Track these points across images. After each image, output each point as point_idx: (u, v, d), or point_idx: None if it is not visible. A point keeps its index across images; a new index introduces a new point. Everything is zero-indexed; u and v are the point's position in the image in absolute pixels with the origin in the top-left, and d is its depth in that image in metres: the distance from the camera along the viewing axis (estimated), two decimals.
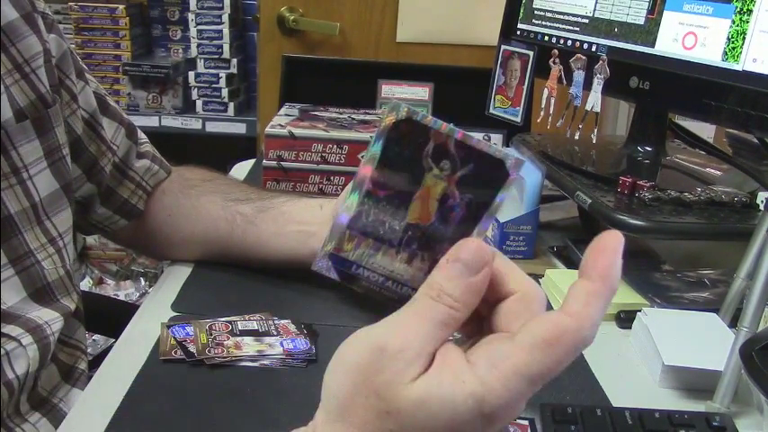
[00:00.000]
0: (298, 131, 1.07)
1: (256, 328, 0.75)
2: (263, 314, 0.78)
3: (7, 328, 0.70)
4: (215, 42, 2.34)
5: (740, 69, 0.85)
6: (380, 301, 0.43)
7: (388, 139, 0.40)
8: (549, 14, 1.10)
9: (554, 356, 0.37)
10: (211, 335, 0.73)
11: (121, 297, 2.44)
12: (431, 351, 0.38)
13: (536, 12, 1.13)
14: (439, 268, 0.40)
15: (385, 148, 0.40)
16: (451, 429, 0.38)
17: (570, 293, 0.38)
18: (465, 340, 0.41)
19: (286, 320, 0.76)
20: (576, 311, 0.38)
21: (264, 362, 0.70)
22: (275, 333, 0.74)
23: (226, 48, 2.34)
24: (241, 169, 1.35)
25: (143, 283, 2.55)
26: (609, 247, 0.39)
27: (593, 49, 1.03)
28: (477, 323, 0.42)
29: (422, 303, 0.39)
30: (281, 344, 0.72)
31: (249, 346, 0.71)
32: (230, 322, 0.75)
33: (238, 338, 0.73)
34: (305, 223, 0.85)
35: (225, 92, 2.35)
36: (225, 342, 0.72)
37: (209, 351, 0.70)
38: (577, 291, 0.38)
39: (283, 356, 0.71)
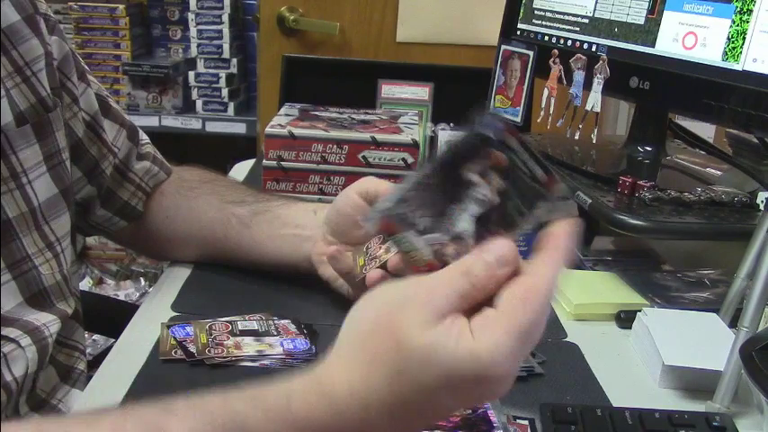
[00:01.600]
0: (298, 131, 1.07)
1: (256, 328, 0.75)
2: (264, 314, 0.78)
3: (5, 331, 0.70)
4: (215, 42, 2.34)
5: (740, 69, 0.85)
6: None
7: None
8: (549, 14, 1.10)
9: (530, 310, 0.44)
10: (211, 335, 0.73)
11: (121, 297, 2.44)
12: (447, 312, 0.45)
13: (536, 12, 1.13)
14: (472, 254, 0.47)
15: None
16: (448, 380, 0.44)
17: (529, 264, 0.47)
18: None
19: (286, 320, 0.76)
20: (534, 271, 0.46)
21: (264, 362, 0.70)
22: (275, 333, 0.74)
23: (226, 47, 2.34)
24: (241, 169, 1.35)
25: (143, 283, 2.55)
26: (560, 228, 0.49)
27: (594, 49, 1.03)
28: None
29: (452, 273, 0.46)
30: (281, 344, 0.72)
31: (249, 346, 0.71)
32: (230, 322, 0.75)
33: (238, 338, 0.72)
34: (299, 227, 0.85)
35: (225, 92, 2.35)
36: (225, 342, 0.72)
37: (209, 351, 0.70)
38: (533, 259, 0.47)
39: (283, 356, 0.71)
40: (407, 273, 0.50)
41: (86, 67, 0.87)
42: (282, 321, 0.76)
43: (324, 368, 0.47)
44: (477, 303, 0.46)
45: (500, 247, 0.47)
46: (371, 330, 0.46)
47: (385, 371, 0.45)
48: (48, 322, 0.74)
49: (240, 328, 0.74)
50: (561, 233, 0.48)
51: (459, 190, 0.48)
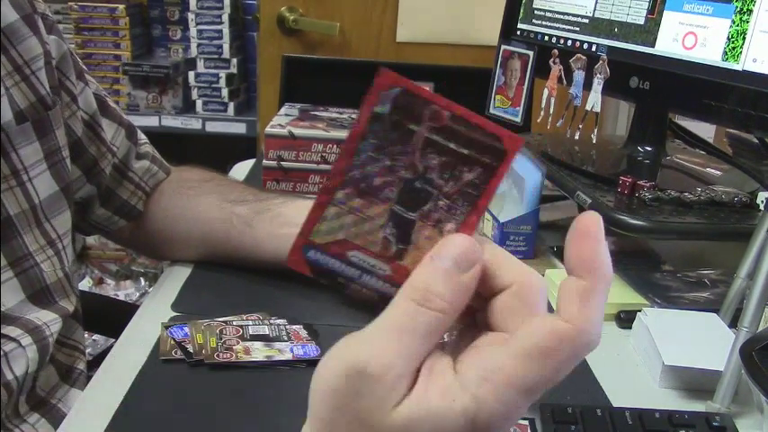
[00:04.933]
0: (298, 131, 1.07)
1: (267, 332, 0.74)
2: (261, 314, 0.78)
3: (6, 329, 0.70)
4: (215, 42, 2.34)
5: (740, 69, 0.85)
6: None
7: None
8: (549, 14, 1.10)
9: (551, 366, 0.33)
10: (221, 339, 0.72)
11: (121, 297, 2.44)
12: (416, 368, 0.34)
13: (536, 12, 1.12)
14: (423, 266, 0.35)
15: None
16: None
17: (563, 294, 0.34)
18: (454, 341, 0.38)
19: (298, 326, 0.76)
20: (573, 315, 0.34)
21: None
22: (286, 338, 0.74)
23: (226, 48, 2.34)
24: (241, 169, 1.35)
25: (143, 283, 2.55)
26: (590, 232, 0.34)
27: (593, 49, 1.03)
28: (470, 317, 0.38)
29: (404, 311, 0.35)
30: (291, 349, 0.72)
31: (258, 351, 0.71)
32: (241, 326, 0.75)
33: (248, 343, 0.72)
34: (300, 225, 0.85)
35: (225, 92, 2.35)
36: (234, 347, 0.71)
37: (218, 356, 0.70)
38: (570, 291, 0.34)
39: (293, 362, 0.70)
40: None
41: (84, 66, 0.87)
42: (294, 327, 0.76)
43: None
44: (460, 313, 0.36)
45: (453, 246, 0.35)
46: (336, 427, 0.35)
47: None
48: (49, 321, 0.75)
49: (251, 332, 0.74)
50: (593, 240, 0.34)
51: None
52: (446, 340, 0.38)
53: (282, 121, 1.11)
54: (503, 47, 1.13)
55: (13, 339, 0.71)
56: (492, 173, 0.36)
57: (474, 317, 0.38)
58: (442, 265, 0.35)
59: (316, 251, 0.39)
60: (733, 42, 0.86)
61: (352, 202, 0.38)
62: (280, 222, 0.86)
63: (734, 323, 0.73)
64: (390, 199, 0.37)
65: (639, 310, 0.80)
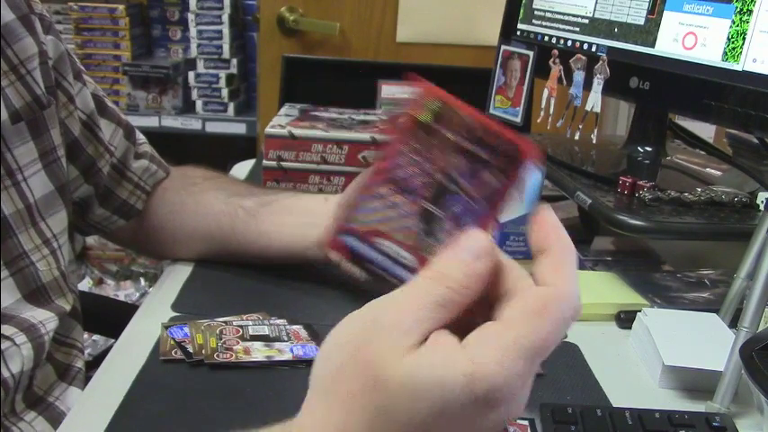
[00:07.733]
0: (297, 132, 1.07)
1: (267, 333, 0.74)
2: (261, 314, 0.78)
3: (1, 328, 0.70)
4: (215, 42, 2.34)
5: (740, 69, 0.85)
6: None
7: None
8: (548, 15, 1.10)
9: (545, 326, 0.37)
10: (221, 339, 0.72)
11: (121, 297, 2.44)
12: (425, 330, 0.37)
13: (536, 12, 1.12)
14: (441, 255, 0.40)
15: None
16: (441, 412, 0.36)
17: (536, 272, 0.39)
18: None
19: (298, 326, 0.76)
20: (551, 280, 0.38)
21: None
22: (286, 338, 0.74)
23: (226, 48, 2.34)
24: (241, 169, 1.35)
25: (143, 283, 2.55)
26: (546, 220, 0.40)
27: (593, 49, 1.03)
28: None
29: (418, 284, 0.39)
30: (291, 350, 0.72)
31: (258, 352, 0.71)
32: (241, 326, 0.75)
33: (248, 343, 0.72)
34: (308, 215, 0.84)
35: (225, 92, 2.35)
36: (234, 347, 0.71)
37: (218, 356, 0.70)
38: (542, 266, 0.39)
39: (293, 362, 0.70)
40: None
41: (82, 67, 0.87)
42: (294, 327, 0.76)
43: (300, 416, 0.41)
44: (466, 314, 0.39)
45: (469, 239, 0.39)
46: (341, 369, 0.38)
47: (364, 414, 0.37)
48: (45, 320, 0.75)
49: (251, 332, 0.74)
50: (551, 225, 0.40)
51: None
52: None
53: (282, 121, 1.11)
54: (503, 47, 1.13)
55: (8, 338, 0.71)
56: (508, 177, 0.42)
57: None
58: (458, 254, 0.39)
59: (354, 237, 0.43)
60: (733, 42, 0.86)
61: (392, 198, 0.43)
62: (286, 212, 0.86)
63: (734, 323, 0.73)
64: (425, 197, 0.42)
65: (639, 310, 0.80)
